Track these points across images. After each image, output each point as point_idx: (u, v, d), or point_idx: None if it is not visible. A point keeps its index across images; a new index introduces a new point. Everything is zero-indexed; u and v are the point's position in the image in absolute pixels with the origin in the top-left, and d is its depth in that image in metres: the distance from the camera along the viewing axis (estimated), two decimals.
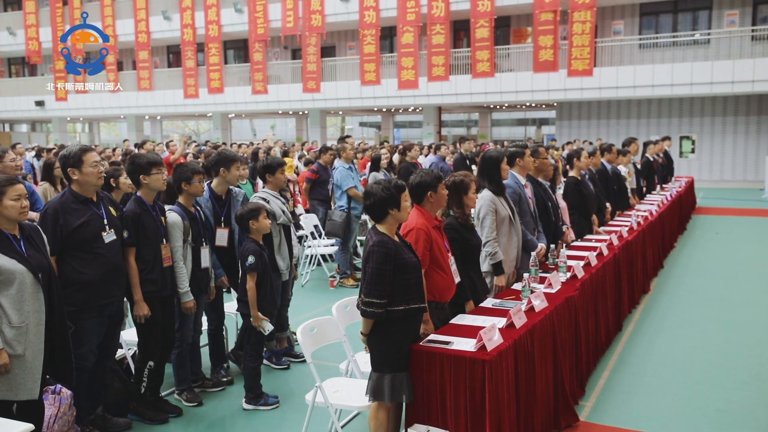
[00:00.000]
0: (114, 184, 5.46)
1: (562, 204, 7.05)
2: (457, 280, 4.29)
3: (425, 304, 3.79)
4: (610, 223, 8.38)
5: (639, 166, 11.73)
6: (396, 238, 3.76)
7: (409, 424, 3.72)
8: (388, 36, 26.98)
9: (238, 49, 31.33)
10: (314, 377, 3.99)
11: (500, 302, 4.63)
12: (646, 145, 12.76)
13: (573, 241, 7.06)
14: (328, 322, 4.32)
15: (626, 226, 7.86)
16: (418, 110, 29.74)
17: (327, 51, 28.48)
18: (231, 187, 5.55)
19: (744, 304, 7.72)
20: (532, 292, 4.58)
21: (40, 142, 34.37)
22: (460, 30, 26.32)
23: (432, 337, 3.85)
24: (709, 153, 23.72)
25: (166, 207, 4.90)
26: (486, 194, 5.14)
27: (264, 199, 5.57)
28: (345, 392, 4.06)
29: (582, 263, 5.71)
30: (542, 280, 5.09)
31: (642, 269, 8.04)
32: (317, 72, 26.16)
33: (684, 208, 13.61)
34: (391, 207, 3.68)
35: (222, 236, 5.42)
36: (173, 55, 32.72)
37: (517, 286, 5.07)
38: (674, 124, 23.94)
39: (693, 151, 23.94)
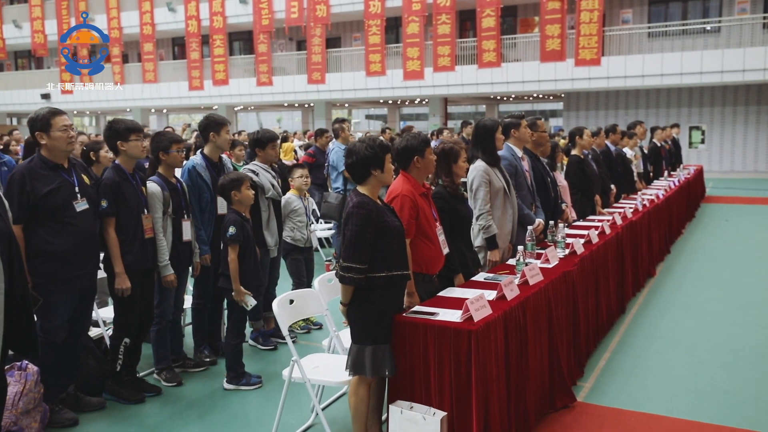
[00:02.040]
0: (94, 158, 5.26)
1: (563, 182, 6.80)
2: (446, 251, 4.05)
3: (408, 271, 3.56)
4: (615, 205, 8.12)
5: (646, 151, 11.45)
6: (378, 202, 3.53)
7: (391, 400, 3.49)
8: (393, 26, 26.68)
9: (243, 40, 31.12)
10: (292, 353, 3.77)
11: (493, 276, 4.39)
12: (653, 130, 12.47)
13: (575, 220, 6.82)
14: (309, 294, 4.09)
15: (631, 207, 7.60)
16: (424, 102, 29.46)
17: (332, 42, 28.25)
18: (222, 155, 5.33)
19: (754, 287, 7.45)
20: (526, 265, 4.35)
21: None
22: (467, 20, 26.02)
23: (416, 308, 3.62)
24: (719, 143, 23.33)
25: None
26: (479, 165, 4.89)
27: (253, 172, 5.36)
28: (325, 368, 3.83)
29: (582, 240, 5.47)
30: (539, 256, 4.84)
31: (647, 252, 7.77)
32: (322, 63, 25.91)
33: (693, 195, 13.31)
34: (374, 167, 3.45)
35: (223, 204, 5.20)
36: (178, 47, 32.58)
37: (512, 261, 4.82)
38: (684, 113, 23.56)
39: (703, 141, 23.54)
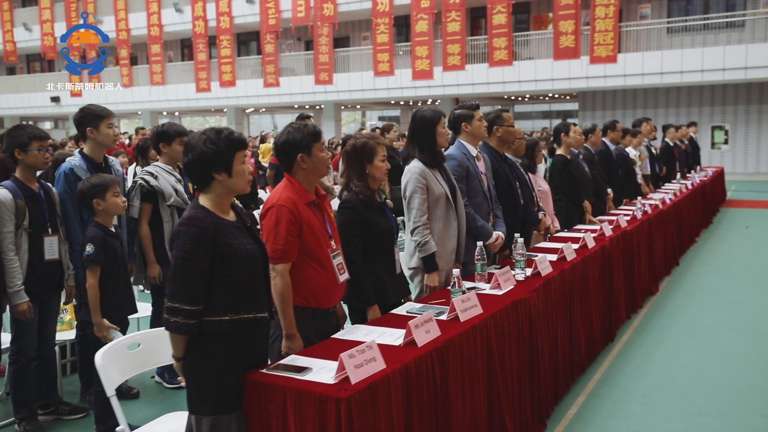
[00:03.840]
0: None
1: (544, 187, 5.82)
2: (344, 277, 3.11)
3: (266, 313, 2.62)
4: (612, 211, 7.11)
5: (656, 151, 10.39)
6: (230, 216, 2.60)
7: None
8: (402, 25, 25.79)
9: (250, 41, 30.45)
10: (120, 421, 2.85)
11: (421, 308, 3.44)
12: (665, 128, 11.38)
13: (557, 231, 5.84)
14: (166, 336, 3.15)
15: (628, 215, 6.60)
16: (436, 103, 28.50)
17: (341, 42, 27.46)
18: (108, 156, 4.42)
19: None
20: (464, 293, 3.40)
21: (61, 138, 33.96)
22: (479, 17, 25.05)
23: (287, 360, 2.68)
24: (744, 144, 22.01)
25: None
26: (415, 166, 3.92)
27: (151, 174, 4.45)
28: None
29: (554, 257, 4.51)
30: (490, 278, 3.89)
31: (647, 267, 6.75)
32: (329, 63, 25.08)
33: (710, 199, 12.18)
34: (217, 169, 2.52)
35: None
36: (186, 48, 32.04)
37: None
38: (705, 113, 22.29)
39: (726, 141, 22.28)
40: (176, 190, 4.48)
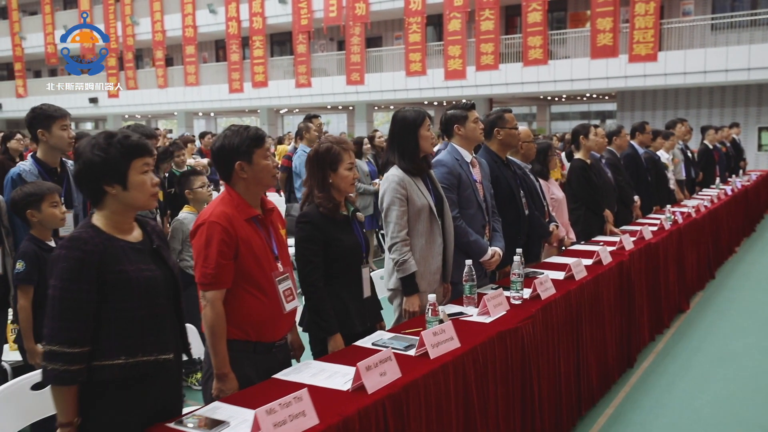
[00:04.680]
0: None
1: (557, 194, 5.30)
2: (292, 306, 2.66)
3: (171, 354, 2.17)
4: (640, 221, 6.54)
5: (693, 154, 9.72)
6: (132, 236, 2.16)
7: None
8: (436, 24, 25.29)
9: (283, 42, 30.30)
10: None
11: (391, 338, 2.98)
12: (704, 130, 10.67)
13: (573, 243, 5.31)
14: None
15: (654, 225, 6.03)
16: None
17: (374, 42, 27.10)
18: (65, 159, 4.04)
19: None
20: (441, 321, 2.93)
21: None
22: (514, 15, 24.44)
23: (204, 410, 2.24)
24: None
25: None
26: (393, 174, 3.45)
27: None
28: None
29: (560, 275, 4.00)
30: (479, 301, 3.40)
31: (677, 281, 6.16)
32: (361, 63, 24.73)
33: (754, 205, 11.41)
34: (109, 181, 2.09)
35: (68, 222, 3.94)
36: (221, 49, 32.07)
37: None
38: (752, 113, 21.26)
39: None
40: None
